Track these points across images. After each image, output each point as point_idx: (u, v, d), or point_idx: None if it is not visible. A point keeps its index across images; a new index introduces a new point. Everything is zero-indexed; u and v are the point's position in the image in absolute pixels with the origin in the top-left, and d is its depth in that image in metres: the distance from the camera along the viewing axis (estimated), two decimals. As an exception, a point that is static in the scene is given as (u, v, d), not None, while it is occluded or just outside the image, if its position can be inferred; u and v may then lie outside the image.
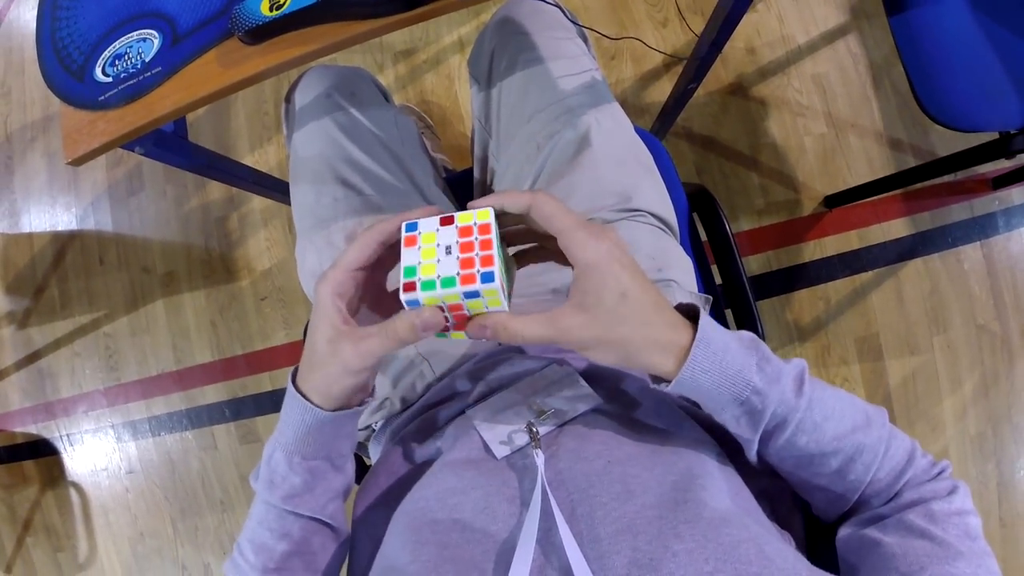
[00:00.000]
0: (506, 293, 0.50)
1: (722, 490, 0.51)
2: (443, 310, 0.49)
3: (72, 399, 1.91)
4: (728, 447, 0.58)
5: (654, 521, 0.47)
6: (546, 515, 0.49)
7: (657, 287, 0.51)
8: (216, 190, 1.87)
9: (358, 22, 0.69)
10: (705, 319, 0.50)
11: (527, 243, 0.56)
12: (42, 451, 1.92)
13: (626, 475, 0.52)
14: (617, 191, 0.86)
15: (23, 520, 1.90)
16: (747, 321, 0.95)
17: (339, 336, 0.50)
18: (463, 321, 0.51)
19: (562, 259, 0.52)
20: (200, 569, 1.80)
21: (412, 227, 0.51)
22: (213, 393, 1.82)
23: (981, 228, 1.66)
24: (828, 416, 0.51)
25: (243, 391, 1.80)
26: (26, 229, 1.98)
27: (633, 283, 0.48)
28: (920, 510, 0.50)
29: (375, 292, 0.56)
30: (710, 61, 1.16)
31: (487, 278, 0.47)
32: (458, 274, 0.47)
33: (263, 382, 1.80)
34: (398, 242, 0.51)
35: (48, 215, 1.97)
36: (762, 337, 0.93)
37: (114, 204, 1.93)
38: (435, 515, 0.54)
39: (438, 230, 0.50)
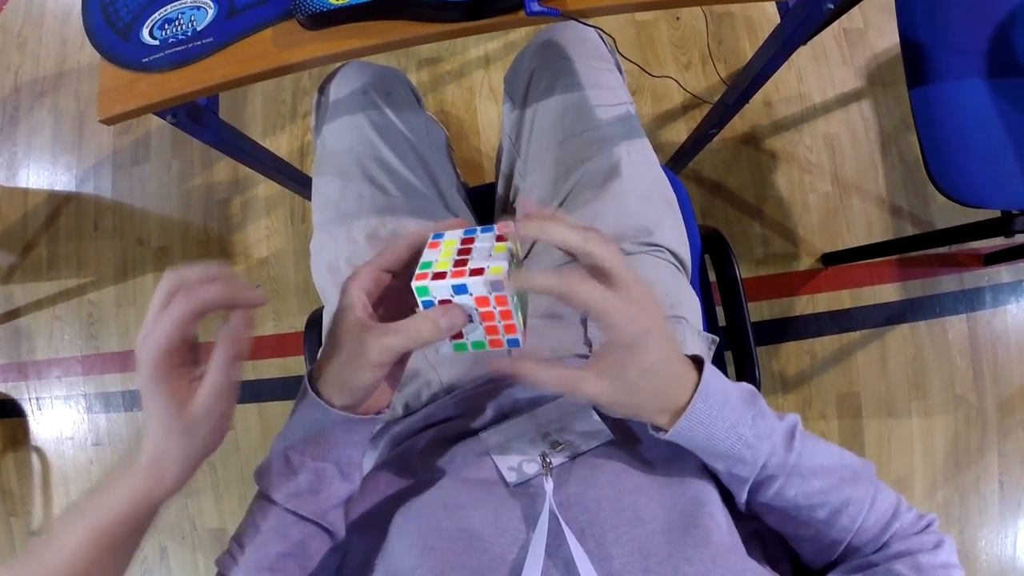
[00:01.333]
0: (524, 330, 0.53)
1: (726, 522, 0.54)
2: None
3: (46, 362, 1.87)
4: (724, 488, 0.59)
5: (664, 545, 0.48)
6: (555, 534, 0.50)
7: (676, 344, 0.52)
8: (222, 171, 1.86)
9: (418, 24, 0.70)
10: (708, 372, 0.51)
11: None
12: (8, 411, 1.87)
13: (636, 504, 0.53)
14: (640, 224, 0.87)
15: (-24, 479, 1.86)
16: (746, 365, 0.97)
17: (363, 329, 0.51)
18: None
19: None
20: (156, 552, 1.76)
21: (438, 236, 0.54)
22: (192, 374, 1.79)
23: (969, 301, 1.70)
24: (816, 471, 0.53)
25: (223, 376, 1.78)
26: (23, 184, 1.95)
27: (658, 358, 0.49)
28: (908, 562, 0.52)
29: (394, 301, 0.56)
30: (736, 110, 1.18)
31: (513, 343, 0.51)
32: (487, 339, 0.52)
33: (245, 371, 1.77)
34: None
35: (48, 172, 1.95)
36: (758, 382, 0.95)
37: (116, 171, 1.91)
38: (442, 523, 0.54)
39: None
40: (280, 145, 1.84)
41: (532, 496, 0.56)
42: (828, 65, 1.78)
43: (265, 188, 1.83)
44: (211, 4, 0.77)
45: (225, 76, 0.74)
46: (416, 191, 0.91)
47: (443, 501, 0.57)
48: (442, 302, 0.49)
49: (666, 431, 0.51)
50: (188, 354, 0.48)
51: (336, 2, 0.68)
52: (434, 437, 0.71)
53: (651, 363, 0.49)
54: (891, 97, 1.76)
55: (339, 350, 0.52)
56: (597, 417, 0.64)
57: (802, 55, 1.78)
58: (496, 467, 0.61)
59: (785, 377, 1.67)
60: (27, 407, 1.87)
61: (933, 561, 0.52)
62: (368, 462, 0.87)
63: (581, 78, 0.92)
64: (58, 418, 1.85)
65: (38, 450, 1.85)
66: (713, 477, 0.59)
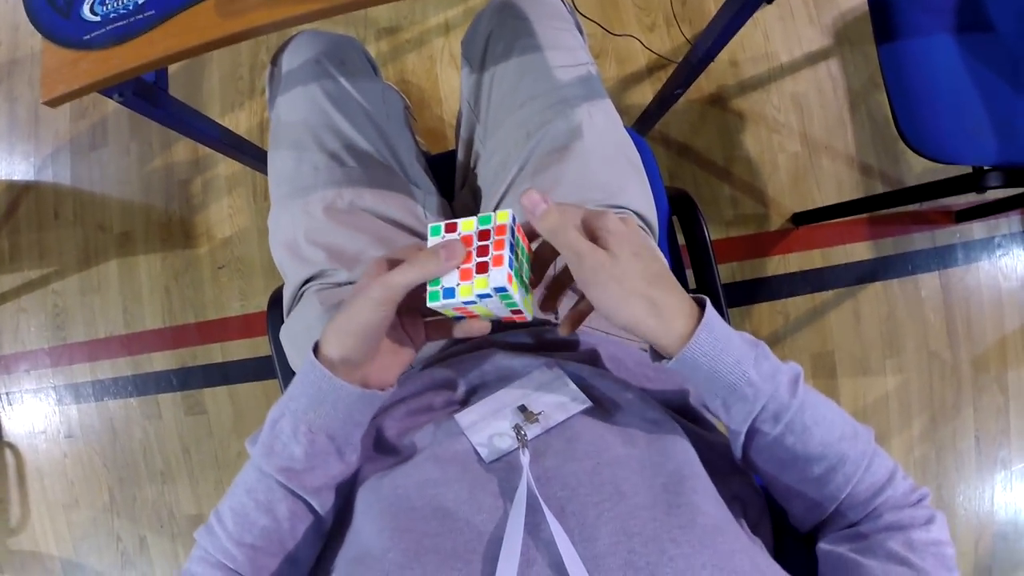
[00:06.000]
0: (523, 294, 0.54)
1: (710, 496, 0.52)
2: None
3: (14, 356, 1.83)
4: (706, 454, 0.58)
5: (648, 523, 0.47)
6: (534, 511, 0.48)
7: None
8: (181, 151, 1.82)
9: (363, -14, 0.67)
10: (710, 308, 0.51)
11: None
12: (-23, 409, 1.84)
13: (616, 476, 0.51)
14: (604, 186, 0.85)
15: (-48, 479, 1.83)
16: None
17: (373, 276, 0.52)
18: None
19: None
20: (135, 541, 1.74)
21: (436, 231, 0.54)
22: (161, 361, 1.77)
23: (941, 258, 1.71)
24: (818, 421, 0.53)
25: (192, 361, 1.75)
26: (-21, 176, 1.89)
27: (645, 249, 0.52)
28: (900, 537, 0.52)
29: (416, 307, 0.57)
30: (700, 69, 1.17)
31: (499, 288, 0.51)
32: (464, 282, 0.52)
33: (214, 353, 1.75)
34: None
35: (4, 163, 1.89)
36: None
37: (75, 157, 1.85)
38: (414, 503, 0.53)
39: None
40: (239, 122, 1.79)
41: (509, 470, 0.55)
42: (795, 24, 1.76)
43: (226, 167, 1.79)
44: (151, -25, 0.74)
45: (168, 49, 0.72)
46: (373, 161, 0.89)
47: (415, 479, 0.55)
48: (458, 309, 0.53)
49: (669, 359, 0.51)
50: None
51: (275, -37, 0.65)
52: (405, 412, 0.69)
53: (639, 247, 0.52)
54: (859, 56, 1.74)
55: (346, 302, 0.53)
56: (573, 385, 0.63)
57: (768, 13, 1.76)
58: (471, 443, 0.59)
59: (758, 338, 1.66)
60: (-4, 403, 1.83)
61: (925, 538, 0.52)
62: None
63: (539, 39, 0.89)
64: (29, 412, 1.82)
65: (11, 446, 1.81)
66: (694, 445, 0.58)
